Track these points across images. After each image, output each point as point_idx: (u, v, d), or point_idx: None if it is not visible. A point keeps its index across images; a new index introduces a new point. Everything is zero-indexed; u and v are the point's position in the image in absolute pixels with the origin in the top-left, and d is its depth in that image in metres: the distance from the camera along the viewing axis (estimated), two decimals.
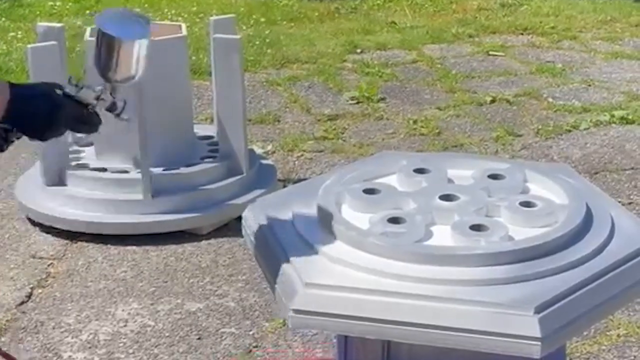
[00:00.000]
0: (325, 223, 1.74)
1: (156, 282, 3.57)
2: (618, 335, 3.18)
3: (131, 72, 1.75)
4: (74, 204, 3.92)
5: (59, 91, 1.73)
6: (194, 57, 5.82)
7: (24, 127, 1.69)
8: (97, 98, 1.76)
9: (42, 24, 4.25)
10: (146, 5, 7.55)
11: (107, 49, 1.71)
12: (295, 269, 1.64)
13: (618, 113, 5.15)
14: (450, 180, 1.93)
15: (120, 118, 1.81)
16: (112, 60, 1.72)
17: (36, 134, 1.72)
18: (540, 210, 1.77)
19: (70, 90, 1.74)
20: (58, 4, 7.76)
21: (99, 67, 1.74)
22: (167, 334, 3.22)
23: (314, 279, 1.60)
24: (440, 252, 1.64)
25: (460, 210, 1.78)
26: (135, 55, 1.72)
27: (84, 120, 1.76)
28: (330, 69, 6.01)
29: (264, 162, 4.37)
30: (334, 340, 2.02)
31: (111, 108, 1.79)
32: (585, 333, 3.07)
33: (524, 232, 1.72)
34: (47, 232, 3.93)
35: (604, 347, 3.12)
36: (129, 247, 3.80)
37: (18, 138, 1.72)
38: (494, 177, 1.91)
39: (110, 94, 1.77)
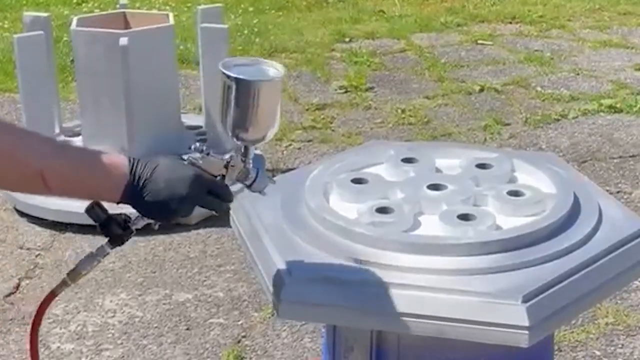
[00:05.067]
0: (313, 213, 1.74)
1: (144, 272, 3.56)
2: (606, 324, 3.19)
3: (274, 122, 1.51)
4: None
5: (183, 161, 1.49)
6: (181, 47, 5.80)
7: (147, 210, 1.46)
8: (227, 166, 1.52)
9: (29, 14, 4.23)
10: None
11: (241, 99, 1.47)
12: (283, 258, 1.64)
13: (606, 102, 5.16)
14: (438, 170, 1.93)
15: (252, 189, 1.57)
16: (249, 111, 1.48)
17: (164, 216, 1.48)
18: (527, 200, 1.77)
19: (195, 158, 1.49)
20: None
21: (228, 124, 1.50)
22: (155, 325, 3.22)
23: (301, 270, 1.60)
24: (428, 241, 1.64)
25: (448, 199, 1.77)
26: (277, 99, 1.50)
27: (218, 193, 1.50)
28: (319, 58, 6.00)
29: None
30: (323, 330, 2.02)
31: (243, 177, 1.54)
32: (573, 322, 3.08)
33: (511, 221, 1.72)
34: (35, 223, 3.92)
35: (592, 336, 3.13)
36: None
37: (139, 228, 1.52)
38: (481, 166, 1.91)
39: (242, 159, 1.53)
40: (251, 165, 1.54)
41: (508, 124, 4.94)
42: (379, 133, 4.82)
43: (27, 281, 3.51)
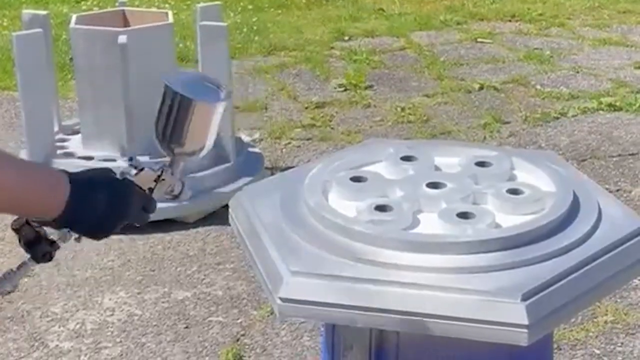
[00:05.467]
0: (312, 211, 1.74)
1: (143, 270, 3.56)
2: (605, 322, 3.19)
3: (206, 141, 1.51)
4: None
5: (118, 176, 1.48)
6: (180, 45, 5.80)
7: (83, 227, 1.42)
8: (157, 179, 1.52)
9: (28, 12, 4.23)
10: None
11: (179, 115, 1.47)
12: (282, 257, 1.63)
13: (606, 100, 5.16)
14: (437, 168, 1.93)
15: (178, 200, 1.58)
16: (184, 127, 1.48)
17: (102, 233, 1.45)
18: (527, 198, 1.77)
19: (128, 173, 1.50)
20: None
21: (163, 136, 1.50)
22: (154, 323, 3.21)
23: (300, 267, 1.60)
24: (427, 239, 1.64)
25: (447, 197, 1.77)
26: (212, 122, 1.50)
27: (148, 208, 1.50)
28: (318, 56, 6.00)
29: (252, 150, 4.36)
30: (322, 329, 2.01)
31: (171, 190, 1.55)
32: (572, 320, 3.08)
33: (511, 219, 1.71)
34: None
35: (591, 334, 3.13)
36: (115, 236, 3.75)
37: (64, 242, 1.47)
38: (481, 164, 1.90)
39: (171, 172, 1.53)
40: (179, 177, 1.54)
41: (507, 122, 4.94)
42: (378, 131, 4.82)
43: (26, 279, 3.51)
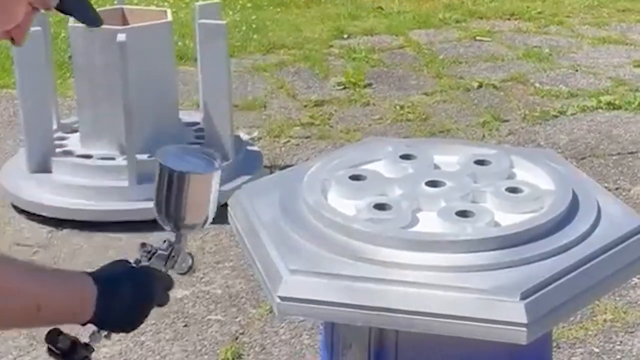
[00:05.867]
0: (311, 210, 1.74)
1: None
2: (604, 321, 3.19)
3: (207, 212, 1.50)
4: (59, 191, 3.91)
5: (133, 264, 1.48)
6: (179, 43, 5.80)
7: (113, 324, 1.42)
8: (168, 258, 1.51)
9: None
10: None
11: (175, 190, 1.46)
12: (281, 255, 1.63)
13: (605, 98, 5.15)
14: (436, 166, 1.92)
15: (188, 274, 1.57)
16: (183, 202, 1.47)
17: (126, 327, 1.45)
18: (526, 196, 1.77)
19: (144, 259, 1.49)
20: None
21: (164, 213, 1.49)
22: (153, 321, 3.21)
23: (299, 266, 1.60)
24: (426, 238, 1.64)
25: (447, 196, 1.77)
26: (210, 192, 1.49)
27: (169, 288, 1.51)
28: (317, 55, 6.00)
29: (250, 148, 4.36)
30: (321, 327, 2.01)
31: (181, 268, 1.55)
32: (571, 318, 3.08)
33: (510, 218, 1.71)
34: (32, 220, 3.91)
35: (590, 332, 3.13)
36: (114, 235, 3.79)
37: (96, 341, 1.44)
38: (480, 162, 1.90)
39: (179, 247, 1.52)
40: (186, 251, 1.54)
41: (506, 121, 4.93)
42: (377, 129, 4.82)
43: None
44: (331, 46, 6.21)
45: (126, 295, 1.40)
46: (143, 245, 1.50)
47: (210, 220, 1.51)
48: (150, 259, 1.49)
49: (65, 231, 3.83)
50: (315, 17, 6.86)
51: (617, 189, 4.12)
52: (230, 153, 4.06)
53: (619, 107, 5.07)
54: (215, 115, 4.06)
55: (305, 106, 5.17)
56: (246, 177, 3.94)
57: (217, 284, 3.44)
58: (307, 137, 4.76)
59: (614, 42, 6.22)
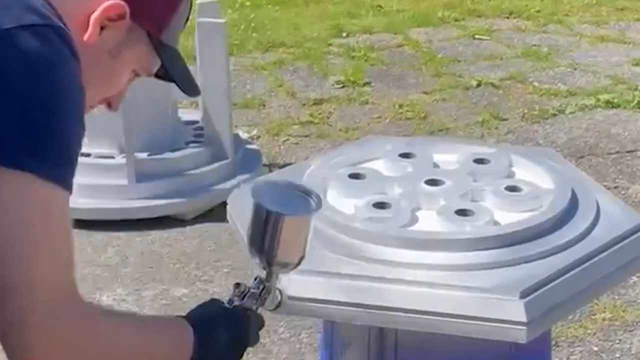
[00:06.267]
0: None
1: (141, 268, 3.56)
2: (603, 319, 3.19)
3: (301, 252, 1.44)
4: None
5: (226, 304, 1.46)
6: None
7: None
8: (259, 296, 1.48)
9: None
10: None
11: (270, 229, 1.41)
12: None
13: (603, 97, 5.15)
14: (435, 165, 1.92)
15: (278, 310, 1.53)
16: (276, 241, 1.41)
17: None
18: (525, 195, 1.77)
19: (236, 300, 1.46)
20: None
21: (258, 250, 1.44)
22: None
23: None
24: (426, 237, 1.64)
25: (446, 195, 1.77)
26: (305, 233, 1.43)
27: (261, 327, 1.50)
28: (316, 53, 5.99)
29: (249, 146, 4.36)
30: (320, 326, 2.01)
31: (271, 305, 1.51)
32: (570, 317, 3.08)
33: (509, 216, 1.71)
34: None
35: (589, 331, 3.13)
36: (113, 233, 3.79)
37: None
38: (479, 161, 1.90)
39: (270, 285, 1.48)
40: (277, 287, 1.51)
41: (505, 119, 4.94)
42: (377, 128, 4.82)
43: None
44: (330, 45, 6.21)
45: (222, 339, 1.40)
46: (237, 285, 1.47)
47: (303, 260, 1.45)
48: (243, 299, 1.46)
49: None
50: (314, 16, 6.86)
51: (615, 187, 4.12)
52: (230, 151, 4.06)
53: (618, 106, 5.07)
54: (215, 113, 4.06)
55: (304, 105, 5.17)
56: (245, 176, 3.94)
57: (216, 283, 3.44)
58: (306, 136, 4.76)
59: (613, 40, 6.22)
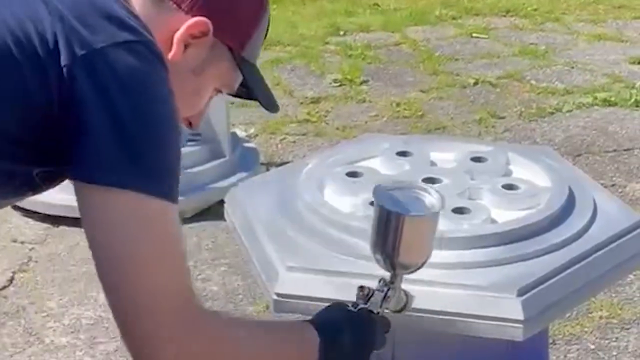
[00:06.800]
0: (307, 207, 1.74)
1: None
2: (600, 317, 3.19)
3: (425, 252, 1.43)
4: (55, 187, 3.90)
5: (351, 307, 1.43)
6: None
7: None
8: (384, 299, 1.45)
9: None
10: None
11: (392, 230, 1.40)
12: (277, 252, 1.63)
13: (601, 95, 5.16)
14: (433, 163, 1.93)
15: (402, 313, 1.49)
16: (399, 242, 1.40)
17: None
18: (522, 193, 1.77)
19: (361, 302, 1.44)
20: None
21: (381, 252, 1.43)
22: None
23: (296, 263, 1.60)
24: None
25: (443, 193, 1.77)
26: (428, 233, 1.43)
27: (388, 330, 1.48)
28: (313, 52, 5.99)
29: (247, 145, 4.36)
30: None
31: (396, 307, 1.48)
32: (567, 315, 3.08)
33: (506, 214, 1.72)
34: (28, 217, 3.91)
35: (586, 329, 3.14)
36: None
37: None
38: (476, 159, 1.90)
39: (394, 287, 1.46)
40: (402, 290, 1.49)
41: (503, 117, 4.94)
42: (374, 126, 4.82)
43: (21, 275, 3.50)
44: (327, 43, 6.21)
45: (348, 342, 1.38)
46: (361, 288, 1.45)
47: (428, 260, 1.44)
48: (367, 301, 1.44)
49: (62, 228, 3.82)
50: (311, 14, 6.85)
51: (612, 185, 4.12)
52: (227, 150, 4.06)
53: (615, 104, 5.08)
54: (212, 112, 4.05)
55: (302, 103, 5.17)
56: (243, 174, 3.94)
57: (213, 281, 3.44)
58: (303, 134, 4.76)
59: (610, 39, 6.23)
